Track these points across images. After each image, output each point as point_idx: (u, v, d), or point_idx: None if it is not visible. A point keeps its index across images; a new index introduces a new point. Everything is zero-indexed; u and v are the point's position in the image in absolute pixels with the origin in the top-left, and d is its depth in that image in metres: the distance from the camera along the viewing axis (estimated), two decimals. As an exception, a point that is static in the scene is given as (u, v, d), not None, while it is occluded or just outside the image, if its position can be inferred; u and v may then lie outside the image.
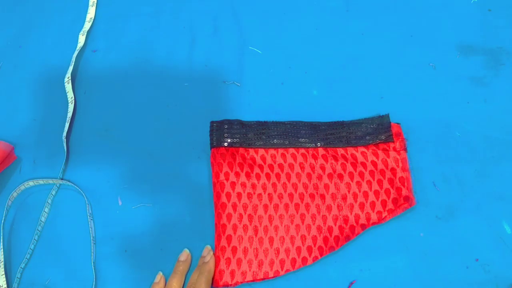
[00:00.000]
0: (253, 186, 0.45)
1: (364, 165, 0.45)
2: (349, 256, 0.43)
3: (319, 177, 0.45)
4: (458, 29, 0.52)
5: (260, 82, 0.51)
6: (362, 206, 0.44)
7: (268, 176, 0.45)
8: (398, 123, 0.47)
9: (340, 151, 0.46)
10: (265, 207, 0.44)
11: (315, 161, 0.46)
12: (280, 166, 0.46)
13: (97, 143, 0.49)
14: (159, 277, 0.43)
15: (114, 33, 0.54)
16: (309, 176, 0.45)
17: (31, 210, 0.46)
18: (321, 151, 0.46)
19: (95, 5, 0.56)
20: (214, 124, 0.47)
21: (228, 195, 0.44)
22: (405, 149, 0.46)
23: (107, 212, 0.46)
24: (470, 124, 0.47)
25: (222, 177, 0.45)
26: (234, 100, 0.50)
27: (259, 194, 0.45)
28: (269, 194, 0.45)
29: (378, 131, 0.46)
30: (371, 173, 0.45)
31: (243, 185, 0.45)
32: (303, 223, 0.44)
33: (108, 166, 0.48)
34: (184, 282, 0.42)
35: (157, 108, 0.50)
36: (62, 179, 0.47)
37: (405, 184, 0.44)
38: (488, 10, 0.52)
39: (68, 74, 0.51)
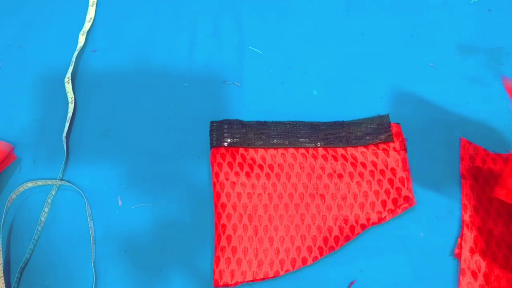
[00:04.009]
0: (253, 186, 0.45)
1: (364, 165, 0.45)
2: (349, 256, 0.43)
3: (319, 177, 0.45)
4: (458, 29, 0.52)
5: (260, 82, 0.51)
6: (362, 206, 0.44)
7: (268, 176, 0.45)
8: (398, 123, 0.47)
9: (340, 151, 0.46)
10: (265, 207, 0.44)
11: (315, 161, 0.46)
12: (280, 166, 0.46)
13: (97, 143, 0.49)
14: None
15: (114, 33, 0.54)
16: (309, 176, 0.45)
17: (31, 210, 0.46)
18: (321, 151, 0.46)
19: (95, 5, 0.56)
20: (214, 124, 0.47)
21: (228, 195, 0.44)
22: (405, 149, 0.46)
23: (107, 212, 0.46)
24: (470, 124, 0.47)
25: (222, 177, 0.45)
26: (234, 100, 0.50)
27: (259, 194, 0.45)
28: (269, 194, 0.45)
29: (378, 131, 0.46)
30: (371, 173, 0.45)
31: (243, 185, 0.45)
32: (303, 223, 0.44)
33: (108, 166, 0.48)
34: None
35: (157, 108, 0.50)
36: (61, 179, 0.47)
37: (405, 184, 0.44)
38: (488, 10, 0.52)
39: (68, 74, 0.51)
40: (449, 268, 0.42)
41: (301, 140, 0.47)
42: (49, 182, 0.47)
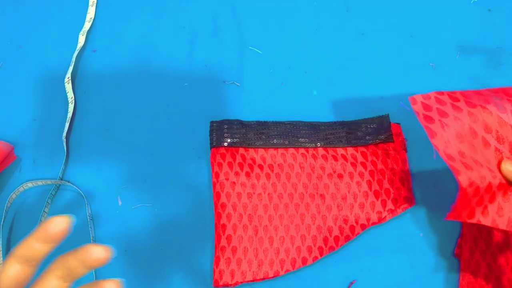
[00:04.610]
0: (253, 186, 0.45)
1: (364, 165, 0.45)
2: (349, 256, 0.43)
3: (319, 177, 0.45)
4: (458, 29, 0.52)
5: (260, 82, 0.51)
6: (362, 206, 0.44)
7: (268, 176, 0.45)
8: (398, 123, 0.47)
9: (340, 151, 0.46)
10: (265, 207, 0.44)
11: (315, 161, 0.46)
12: (280, 166, 0.46)
13: (97, 143, 0.49)
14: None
15: (114, 33, 0.54)
16: (309, 176, 0.45)
17: (31, 211, 0.46)
18: (321, 151, 0.46)
19: (95, 5, 0.56)
20: (214, 124, 0.47)
21: (228, 195, 0.44)
22: (405, 149, 0.46)
23: (107, 212, 0.46)
24: (470, 124, 0.47)
25: (222, 177, 0.45)
26: (234, 100, 0.50)
27: (259, 194, 0.45)
28: (269, 194, 0.45)
29: (378, 131, 0.46)
30: (371, 173, 0.45)
31: (243, 185, 0.45)
32: (303, 223, 0.44)
33: (108, 166, 0.48)
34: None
35: (157, 108, 0.50)
36: (61, 179, 0.47)
37: (405, 184, 0.44)
38: (488, 10, 0.52)
39: (68, 74, 0.51)
40: (449, 268, 0.42)
41: (301, 140, 0.47)
42: (49, 182, 0.47)
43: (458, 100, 0.36)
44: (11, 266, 0.29)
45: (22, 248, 0.29)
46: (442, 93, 0.37)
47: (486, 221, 0.35)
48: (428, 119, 0.36)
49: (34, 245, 0.29)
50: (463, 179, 0.33)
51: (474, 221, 0.35)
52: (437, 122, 0.36)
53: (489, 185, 0.34)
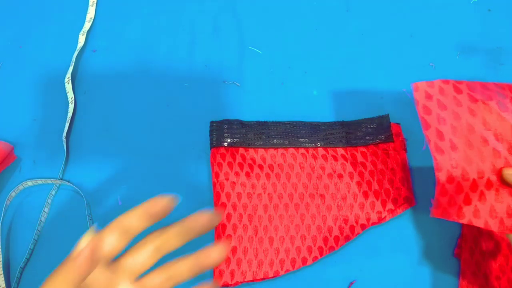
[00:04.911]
0: (253, 186, 0.45)
1: (364, 165, 0.45)
2: (349, 256, 0.43)
3: (319, 177, 0.45)
4: (458, 29, 0.52)
5: (260, 82, 0.51)
6: (362, 206, 0.44)
7: (268, 176, 0.45)
8: (398, 123, 0.47)
9: (340, 151, 0.46)
10: (265, 207, 0.44)
11: (315, 161, 0.46)
12: (280, 166, 0.46)
13: (97, 143, 0.49)
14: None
15: (114, 33, 0.54)
16: (309, 176, 0.45)
17: (31, 210, 0.46)
18: (321, 151, 0.46)
19: (95, 5, 0.56)
20: (214, 124, 0.47)
21: (228, 195, 0.44)
22: (405, 149, 0.46)
23: (107, 212, 0.46)
24: (470, 124, 0.47)
25: (222, 177, 0.45)
26: (234, 100, 0.50)
27: (259, 194, 0.45)
28: (269, 194, 0.45)
29: (378, 131, 0.46)
30: (371, 173, 0.45)
31: (243, 185, 0.45)
32: (302, 223, 0.44)
33: (108, 166, 0.48)
34: None
35: (157, 108, 0.50)
36: (61, 179, 0.47)
37: (405, 184, 0.44)
38: (488, 10, 0.52)
39: (68, 74, 0.51)
40: (449, 268, 0.42)
41: (301, 140, 0.47)
42: (49, 181, 0.47)
43: (461, 92, 0.36)
44: (108, 234, 0.30)
45: (123, 220, 0.31)
46: (447, 82, 0.37)
47: (478, 222, 0.35)
48: (426, 110, 0.36)
49: (134, 220, 0.31)
50: (440, 175, 0.33)
51: (465, 221, 0.35)
52: (434, 114, 0.35)
53: (474, 183, 0.34)
